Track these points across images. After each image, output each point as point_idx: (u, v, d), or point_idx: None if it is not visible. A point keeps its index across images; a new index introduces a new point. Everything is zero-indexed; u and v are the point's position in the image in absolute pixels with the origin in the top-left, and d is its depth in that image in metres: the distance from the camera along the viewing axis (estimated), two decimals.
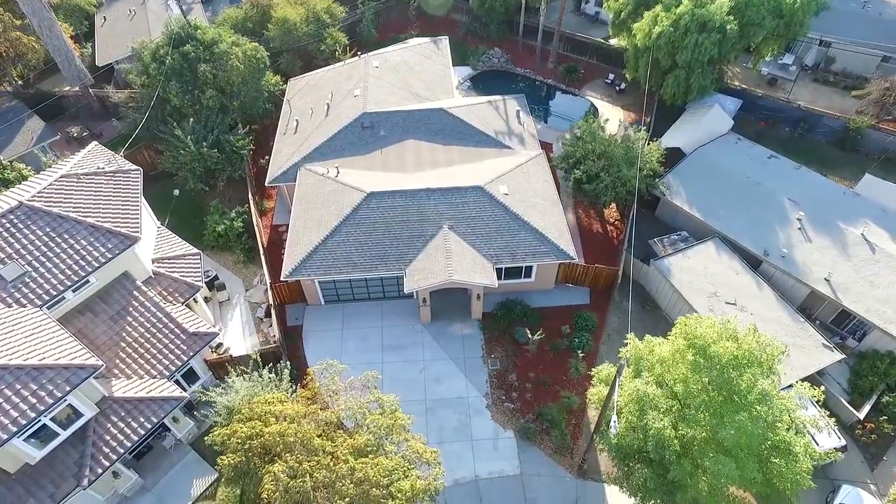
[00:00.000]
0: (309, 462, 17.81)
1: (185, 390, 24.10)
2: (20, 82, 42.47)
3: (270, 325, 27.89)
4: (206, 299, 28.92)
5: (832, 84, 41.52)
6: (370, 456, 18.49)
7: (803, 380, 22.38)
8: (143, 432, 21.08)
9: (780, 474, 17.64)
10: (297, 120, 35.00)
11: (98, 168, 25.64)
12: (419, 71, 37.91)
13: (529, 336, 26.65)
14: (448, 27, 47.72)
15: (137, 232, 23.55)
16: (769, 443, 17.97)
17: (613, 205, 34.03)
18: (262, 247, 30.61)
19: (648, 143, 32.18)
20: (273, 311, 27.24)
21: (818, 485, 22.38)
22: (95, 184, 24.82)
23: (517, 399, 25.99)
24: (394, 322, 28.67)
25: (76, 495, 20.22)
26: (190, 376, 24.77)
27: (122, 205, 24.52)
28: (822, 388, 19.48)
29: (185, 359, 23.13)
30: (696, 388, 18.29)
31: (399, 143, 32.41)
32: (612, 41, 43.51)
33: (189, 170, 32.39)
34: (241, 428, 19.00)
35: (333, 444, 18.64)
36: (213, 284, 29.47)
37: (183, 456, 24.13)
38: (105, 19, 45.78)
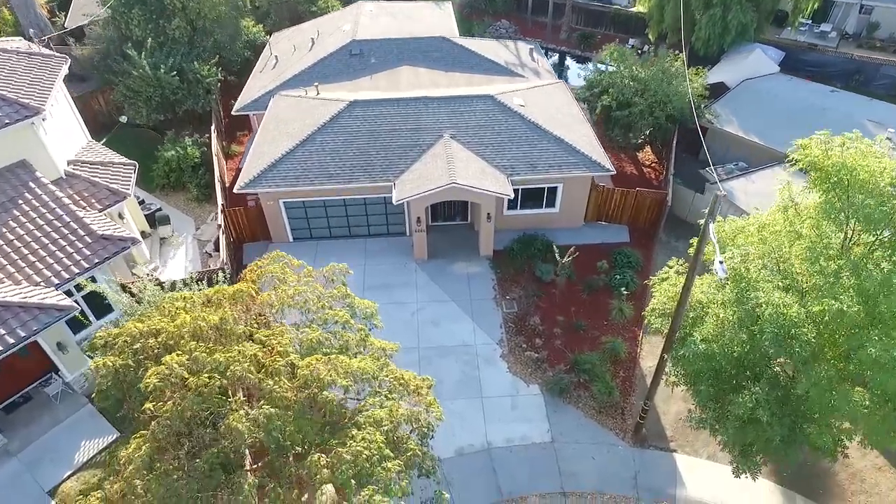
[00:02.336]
0: (225, 352, 11.14)
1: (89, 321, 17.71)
2: None
3: (220, 258, 21.57)
4: (144, 234, 22.84)
5: (879, 49, 37.17)
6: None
7: None
8: (0, 348, 14.44)
9: None
10: (276, 56, 30.34)
11: (13, 48, 20.54)
12: (418, 18, 33.65)
13: (558, 258, 20.17)
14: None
15: (42, 104, 17.99)
16: None
17: (648, 148, 28.52)
18: (220, 177, 24.78)
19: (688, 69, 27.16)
20: (221, 236, 21.04)
21: None
22: (2, 59, 19.59)
23: (542, 347, 19.15)
24: (380, 260, 22.32)
25: None
26: (102, 307, 18.23)
27: (31, 81, 19.08)
28: None
29: (87, 265, 16.73)
30: (830, 252, 11.89)
31: (393, 69, 27.43)
32: (631, 8, 39.87)
33: (144, 99, 27.23)
34: (134, 325, 12.46)
35: (269, 333, 11.99)
36: (155, 217, 23.46)
37: (74, 410, 17.11)
38: None
